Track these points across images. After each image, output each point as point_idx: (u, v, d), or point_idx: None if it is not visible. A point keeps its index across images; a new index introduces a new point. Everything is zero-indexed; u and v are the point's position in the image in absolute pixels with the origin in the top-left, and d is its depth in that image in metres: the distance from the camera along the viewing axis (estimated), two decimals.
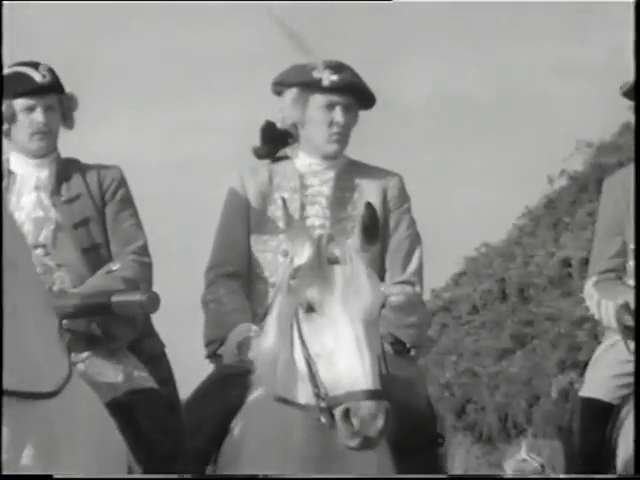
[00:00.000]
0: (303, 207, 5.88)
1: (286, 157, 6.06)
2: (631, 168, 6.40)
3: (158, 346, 5.78)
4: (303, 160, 6.00)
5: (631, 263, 6.20)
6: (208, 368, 5.91)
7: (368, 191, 5.91)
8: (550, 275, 10.88)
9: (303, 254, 5.09)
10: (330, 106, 5.85)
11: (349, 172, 5.99)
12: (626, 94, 6.27)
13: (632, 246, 6.18)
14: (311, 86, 5.85)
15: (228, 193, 6.01)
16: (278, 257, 5.83)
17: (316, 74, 5.84)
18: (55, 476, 5.09)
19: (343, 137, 5.91)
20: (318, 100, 5.86)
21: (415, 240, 5.96)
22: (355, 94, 5.87)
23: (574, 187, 11.39)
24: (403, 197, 6.01)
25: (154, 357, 5.69)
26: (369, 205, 5.15)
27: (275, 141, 6.06)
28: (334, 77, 5.82)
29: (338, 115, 5.85)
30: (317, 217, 5.88)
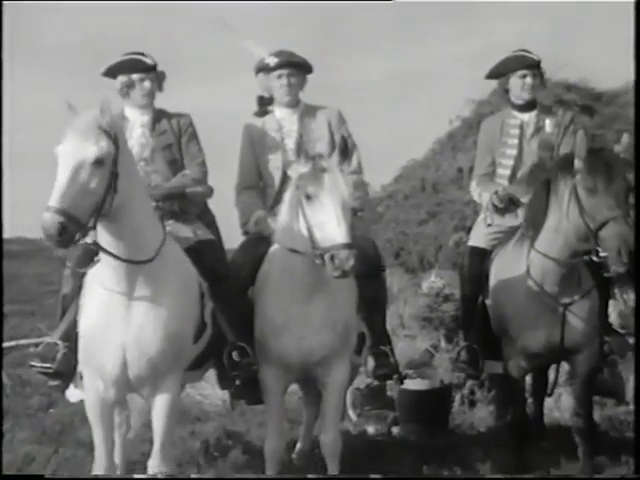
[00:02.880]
0: (282, 139, 5.80)
1: (270, 112, 5.94)
2: (495, 116, 6.24)
3: (211, 217, 5.70)
4: (277, 111, 5.90)
5: (498, 170, 6.05)
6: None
7: (319, 122, 5.84)
8: (450, 177, 10.82)
9: (306, 166, 5.08)
10: (279, 77, 5.79)
11: (307, 113, 5.87)
12: (488, 77, 6.12)
13: (497, 160, 6.04)
14: (266, 68, 5.83)
15: (241, 140, 5.92)
16: (275, 171, 5.78)
17: (266, 60, 5.82)
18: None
19: (291, 92, 5.81)
20: (272, 75, 5.81)
21: (353, 146, 5.82)
22: (293, 66, 5.79)
23: (465, 126, 11.28)
24: (341, 121, 5.88)
25: (210, 223, 5.63)
26: (342, 137, 5.20)
27: (265, 105, 5.97)
28: (275, 59, 5.78)
29: (284, 81, 5.78)
30: (292, 144, 5.77)
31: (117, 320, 4.78)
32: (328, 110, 5.87)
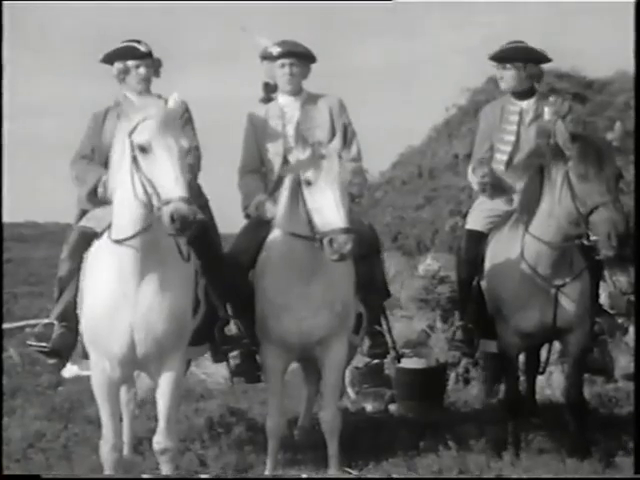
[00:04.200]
0: (284, 126, 5.75)
1: (273, 99, 5.91)
2: (495, 102, 6.22)
3: (204, 200, 5.58)
4: (281, 98, 5.86)
5: (496, 155, 6.02)
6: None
7: (321, 109, 5.81)
8: (446, 163, 10.79)
9: (305, 153, 5.09)
10: (282, 65, 5.75)
11: (308, 100, 5.83)
12: (492, 59, 6.01)
13: (496, 145, 6.01)
14: (270, 57, 5.79)
15: (245, 125, 5.87)
16: (275, 157, 5.73)
17: (269, 49, 5.79)
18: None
19: (293, 82, 5.76)
20: (276, 64, 5.77)
21: (353, 134, 5.79)
22: (295, 56, 5.75)
23: (461, 114, 11.24)
24: (342, 109, 5.83)
25: (203, 206, 5.47)
26: (344, 124, 5.24)
27: (270, 92, 5.93)
28: (278, 49, 5.74)
29: (286, 70, 5.74)
30: (293, 130, 5.72)
31: (126, 301, 4.76)
32: (329, 98, 5.83)
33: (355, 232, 4.89)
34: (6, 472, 5.31)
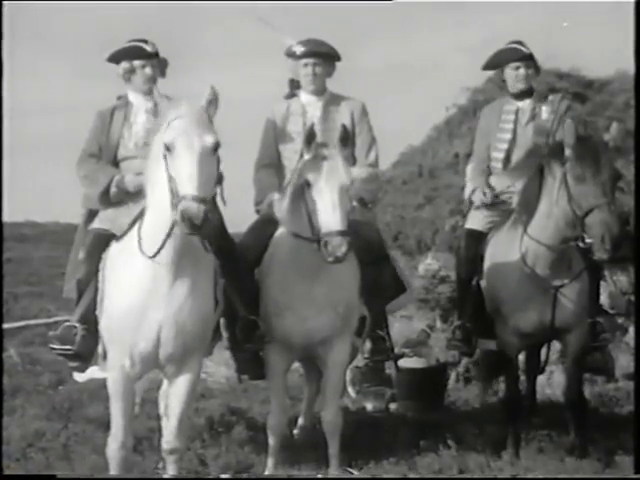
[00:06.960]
0: (304, 124, 5.69)
1: (296, 95, 5.88)
2: (495, 102, 6.25)
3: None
4: (303, 96, 5.85)
5: (493, 154, 6.05)
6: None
7: (343, 112, 5.79)
8: (447, 162, 10.82)
9: (309, 153, 5.10)
10: (305, 65, 5.74)
11: (331, 101, 5.82)
12: (485, 68, 6.14)
13: (493, 144, 6.05)
14: (294, 56, 5.77)
15: (266, 119, 5.88)
16: (293, 155, 5.70)
17: (294, 48, 5.77)
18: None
19: (316, 82, 5.75)
20: (300, 63, 5.75)
21: (372, 141, 5.81)
22: (320, 56, 5.73)
23: (460, 113, 11.26)
24: (364, 114, 5.83)
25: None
26: (343, 125, 5.20)
27: (295, 88, 5.90)
28: (303, 48, 5.72)
29: (309, 70, 5.73)
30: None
31: (158, 300, 4.73)
32: (352, 102, 5.82)
33: (360, 235, 4.88)
34: (6, 472, 5.30)
